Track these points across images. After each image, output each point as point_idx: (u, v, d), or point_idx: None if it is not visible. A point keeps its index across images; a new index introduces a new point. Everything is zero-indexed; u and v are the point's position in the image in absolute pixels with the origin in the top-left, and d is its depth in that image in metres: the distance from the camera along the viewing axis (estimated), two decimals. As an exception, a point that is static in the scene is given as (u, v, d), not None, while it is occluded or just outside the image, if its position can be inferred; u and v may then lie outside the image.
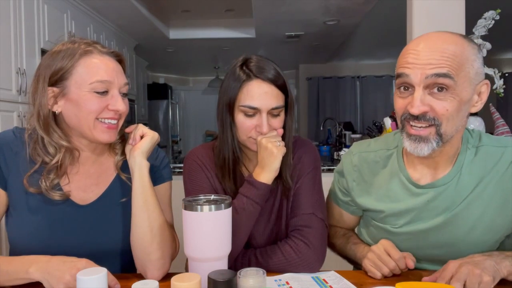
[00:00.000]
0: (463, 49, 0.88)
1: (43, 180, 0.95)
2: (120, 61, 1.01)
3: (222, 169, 1.09)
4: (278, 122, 1.03)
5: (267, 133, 1.01)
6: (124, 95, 1.00)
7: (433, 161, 0.99)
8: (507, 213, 0.95)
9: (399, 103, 0.93)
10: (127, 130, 1.03)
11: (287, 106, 1.06)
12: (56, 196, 0.95)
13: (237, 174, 1.10)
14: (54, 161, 0.95)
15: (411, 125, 0.92)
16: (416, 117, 0.89)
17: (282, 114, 1.05)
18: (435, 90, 0.87)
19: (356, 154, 1.13)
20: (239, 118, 1.02)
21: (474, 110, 0.94)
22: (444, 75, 0.85)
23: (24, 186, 0.95)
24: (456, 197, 0.97)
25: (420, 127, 0.90)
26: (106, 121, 0.96)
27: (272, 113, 1.01)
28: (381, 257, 0.96)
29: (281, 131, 1.04)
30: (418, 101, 0.87)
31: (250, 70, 1.01)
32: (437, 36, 0.90)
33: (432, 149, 0.91)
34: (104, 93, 0.94)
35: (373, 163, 1.10)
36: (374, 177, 1.08)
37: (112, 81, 0.95)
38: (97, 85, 0.93)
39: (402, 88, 0.92)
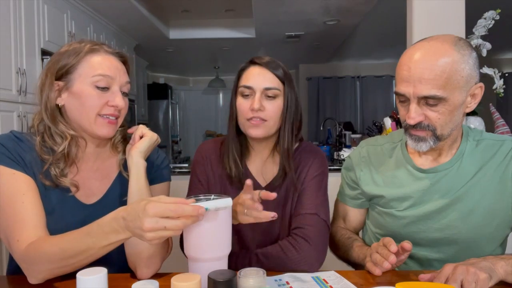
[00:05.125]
0: (452, 61, 0.93)
1: (52, 168, 0.96)
2: (124, 62, 1.04)
3: (228, 162, 1.13)
4: (273, 106, 1.08)
5: (256, 109, 1.05)
6: (125, 94, 1.02)
7: (434, 151, 1.07)
8: (505, 199, 1.03)
9: (401, 111, 1.04)
10: (130, 130, 1.05)
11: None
12: (65, 182, 0.96)
13: (243, 166, 1.13)
14: (61, 148, 0.97)
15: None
16: (414, 126, 0.99)
17: (279, 101, 1.09)
18: (428, 102, 0.96)
19: (364, 147, 1.23)
20: (238, 100, 1.10)
21: (468, 110, 1.01)
22: (433, 97, 0.94)
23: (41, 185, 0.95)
24: (457, 182, 1.05)
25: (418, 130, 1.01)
26: (106, 116, 0.98)
27: (266, 93, 1.07)
28: (378, 250, 0.98)
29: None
30: (413, 113, 0.97)
31: (251, 60, 1.12)
32: (428, 48, 0.96)
33: (430, 147, 1.01)
34: (105, 89, 0.97)
35: (380, 154, 1.19)
36: (381, 166, 1.17)
37: (113, 77, 0.98)
38: (99, 79, 0.96)
39: (401, 98, 1.01)
